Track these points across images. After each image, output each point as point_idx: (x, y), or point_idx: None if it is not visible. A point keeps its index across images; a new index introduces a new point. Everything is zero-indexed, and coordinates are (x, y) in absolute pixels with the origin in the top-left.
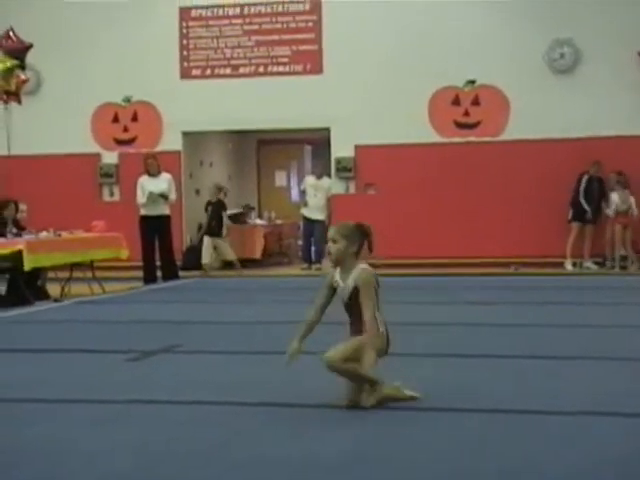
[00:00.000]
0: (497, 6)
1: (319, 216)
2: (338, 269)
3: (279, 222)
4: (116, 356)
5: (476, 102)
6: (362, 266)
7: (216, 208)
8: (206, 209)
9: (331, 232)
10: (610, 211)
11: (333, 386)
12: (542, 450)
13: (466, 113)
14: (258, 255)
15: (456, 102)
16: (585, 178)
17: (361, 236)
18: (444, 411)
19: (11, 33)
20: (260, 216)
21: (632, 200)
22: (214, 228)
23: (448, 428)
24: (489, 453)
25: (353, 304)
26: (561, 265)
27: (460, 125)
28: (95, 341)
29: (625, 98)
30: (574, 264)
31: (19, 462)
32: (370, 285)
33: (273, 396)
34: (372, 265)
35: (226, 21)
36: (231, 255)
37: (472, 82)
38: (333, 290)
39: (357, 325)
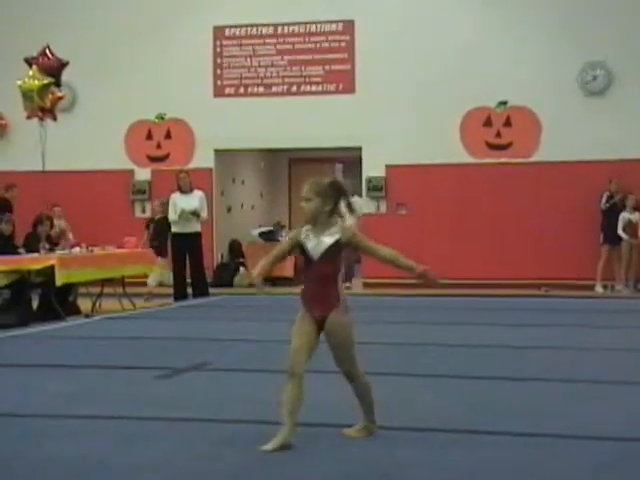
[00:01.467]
0: (530, 28)
1: None
2: (306, 227)
3: None
4: (146, 373)
5: (508, 123)
6: (343, 224)
7: (160, 226)
8: (147, 226)
9: (305, 190)
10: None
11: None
12: None
13: (498, 134)
14: (290, 273)
15: (488, 123)
16: (605, 196)
17: (336, 194)
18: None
19: (47, 51)
20: None
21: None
22: (158, 248)
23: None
24: None
25: (325, 261)
26: (592, 288)
27: (492, 146)
28: (125, 357)
29: None
30: (605, 287)
31: (49, 478)
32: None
33: (306, 416)
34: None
35: (260, 40)
36: (156, 280)
37: (504, 103)
38: (294, 247)
39: (320, 283)
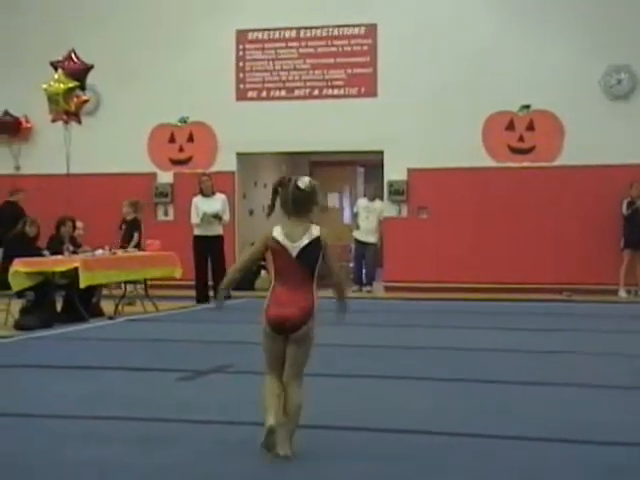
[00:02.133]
0: (553, 32)
1: (371, 239)
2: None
3: (331, 244)
4: (169, 375)
5: (531, 127)
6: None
7: (130, 227)
8: (120, 227)
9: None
10: None
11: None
12: None
13: (520, 138)
14: None
15: (510, 127)
16: (626, 202)
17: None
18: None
19: (73, 55)
20: None
21: None
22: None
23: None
24: None
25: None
26: (615, 293)
27: (514, 150)
28: (148, 359)
29: None
30: (628, 292)
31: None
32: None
33: (318, 418)
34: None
35: (282, 44)
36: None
37: (527, 107)
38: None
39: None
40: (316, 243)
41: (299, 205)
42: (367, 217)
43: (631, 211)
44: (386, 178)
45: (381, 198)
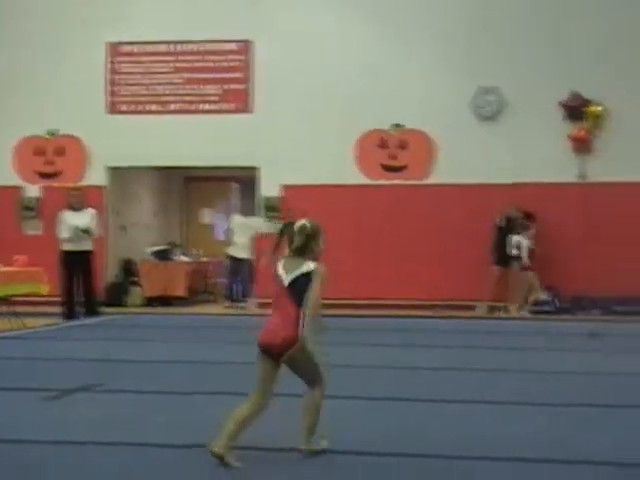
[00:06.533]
0: (427, 53)
1: (245, 255)
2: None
3: (205, 260)
4: (33, 394)
5: (403, 146)
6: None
7: None
8: None
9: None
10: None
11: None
12: None
13: (393, 156)
14: (182, 292)
15: (383, 145)
16: (498, 220)
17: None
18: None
19: None
20: (185, 253)
21: (524, 244)
22: None
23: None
24: None
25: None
26: (498, 309)
27: (387, 168)
28: (12, 378)
29: (548, 146)
30: (495, 308)
31: None
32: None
33: (196, 437)
34: None
35: (156, 58)
36: None
37: (399, 126)
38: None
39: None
40: (307, 275)
41: (300, 245)
42: (242, 233)
43: (501, 227)
44: (261, 194)
45: (255, 215)
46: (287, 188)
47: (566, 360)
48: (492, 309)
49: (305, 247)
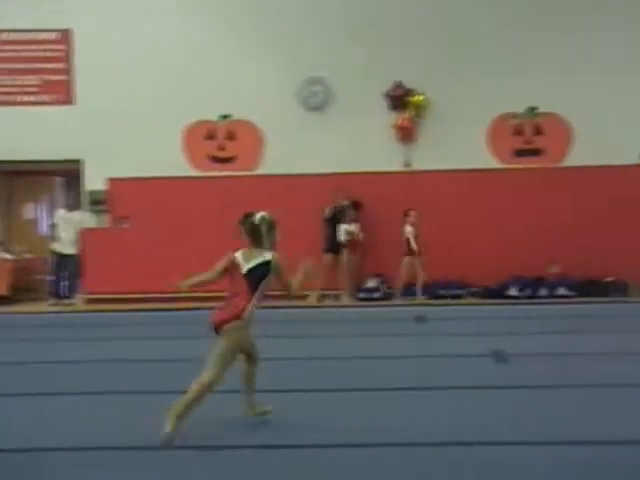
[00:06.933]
0: (254, 43)
1: (71, 250)
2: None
3: (28, 256)
4: None
5: (232, 137)
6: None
7: None
8: None
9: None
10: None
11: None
12: None
13: (221, 147)
14: (4, 291)
15: (210, 136)
16: (328, 209)
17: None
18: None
19: None
20: (8, 250)
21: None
22: None
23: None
24: None
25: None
26: (326, 297)
27: (215, 159)
28: None
29: (374, 135)
30: (325, 296)
31: None
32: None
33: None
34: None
35: None
36: None
37: (226, 117)
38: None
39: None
40: (266, 264)
41: (255, 236)
42: (66, 228)
43: (331, 215)
44: (86, 188)
45: (81, 208)
46: (114, 181)
47: (389, 345)
48: (323, 297)
49: (264, 237)
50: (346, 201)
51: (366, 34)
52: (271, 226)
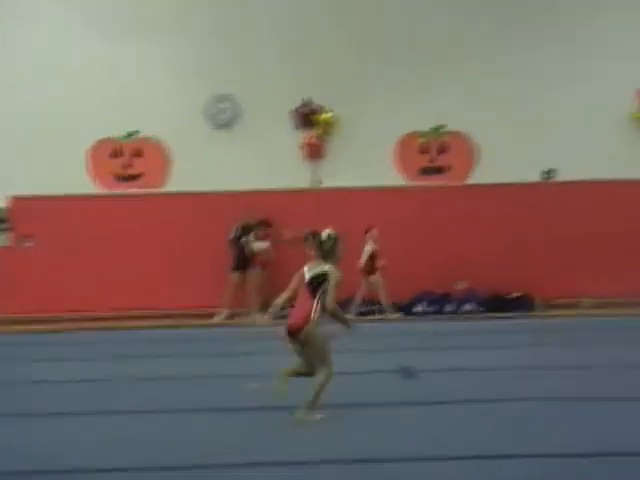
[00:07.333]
0: (163, 59)
1: None
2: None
3: None
4: None
5: (138, 154)
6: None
7: None
8: None
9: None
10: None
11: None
12: None
13: (128, 165)
14: None
15: (116, 154)
16: (235, 226)
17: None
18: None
19: None
20: None
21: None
22: None
23: None
24: None
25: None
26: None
27: (121, 177)
28: None
29: (282, 153)
30: (235, 315)
31: None
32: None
33: None
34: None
35: None
36: None
37: (132, 134)
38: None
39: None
40: (323, 275)
41: (320, 251)
42: None
43: (239, 234)
44: None
45: None
46: (16, 199)
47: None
48: (232, 316)
49: (330, 252)
50: (252, 220)
51: (275, 51)
52: (335, 242)
